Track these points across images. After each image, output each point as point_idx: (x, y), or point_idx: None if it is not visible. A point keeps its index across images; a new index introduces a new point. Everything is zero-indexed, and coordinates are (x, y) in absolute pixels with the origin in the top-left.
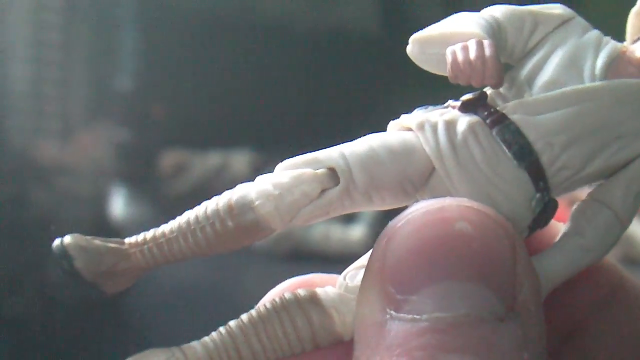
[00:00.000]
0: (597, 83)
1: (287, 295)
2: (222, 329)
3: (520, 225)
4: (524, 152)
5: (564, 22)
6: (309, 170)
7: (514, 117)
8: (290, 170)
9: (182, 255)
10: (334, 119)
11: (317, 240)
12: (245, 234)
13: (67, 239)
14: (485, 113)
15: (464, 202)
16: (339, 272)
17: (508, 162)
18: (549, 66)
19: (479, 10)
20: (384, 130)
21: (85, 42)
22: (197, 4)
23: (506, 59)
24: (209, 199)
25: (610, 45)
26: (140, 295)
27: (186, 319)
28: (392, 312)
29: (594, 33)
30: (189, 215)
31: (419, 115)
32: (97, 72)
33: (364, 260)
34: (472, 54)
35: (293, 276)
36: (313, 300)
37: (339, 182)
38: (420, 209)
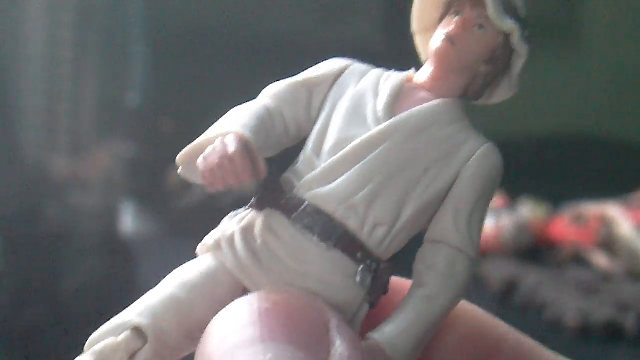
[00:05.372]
0: (382, 125)
1: None
2: None
3: (353, 305)
4: (328, 230)
5: (336, 77)
6: (110, 341)
7: (309, 195)
8: (92, 350)
9: None
10: None
11: None
12: None
13: None
14: (282, 202)
15: (269, 292)
16: None
17: (316, 248)
18: (333, 127)
19: None
20: None
21: (96, 59)
22: (206, 21)
23: (293, 139)
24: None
25: (391, 79)
26: None
27: None
28: None
29: (373, 74)
30: None
31: (217, 230)
32: (108, 89)
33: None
34: (216, 156)
35: None
36: None
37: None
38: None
